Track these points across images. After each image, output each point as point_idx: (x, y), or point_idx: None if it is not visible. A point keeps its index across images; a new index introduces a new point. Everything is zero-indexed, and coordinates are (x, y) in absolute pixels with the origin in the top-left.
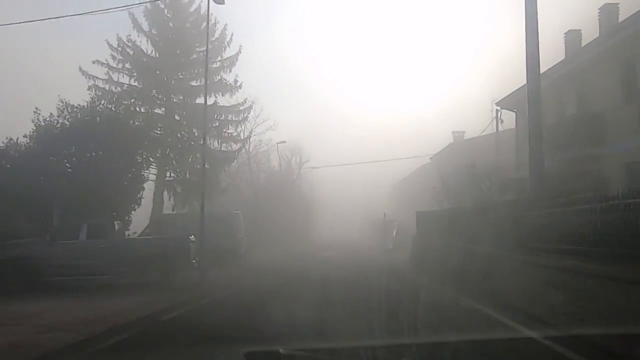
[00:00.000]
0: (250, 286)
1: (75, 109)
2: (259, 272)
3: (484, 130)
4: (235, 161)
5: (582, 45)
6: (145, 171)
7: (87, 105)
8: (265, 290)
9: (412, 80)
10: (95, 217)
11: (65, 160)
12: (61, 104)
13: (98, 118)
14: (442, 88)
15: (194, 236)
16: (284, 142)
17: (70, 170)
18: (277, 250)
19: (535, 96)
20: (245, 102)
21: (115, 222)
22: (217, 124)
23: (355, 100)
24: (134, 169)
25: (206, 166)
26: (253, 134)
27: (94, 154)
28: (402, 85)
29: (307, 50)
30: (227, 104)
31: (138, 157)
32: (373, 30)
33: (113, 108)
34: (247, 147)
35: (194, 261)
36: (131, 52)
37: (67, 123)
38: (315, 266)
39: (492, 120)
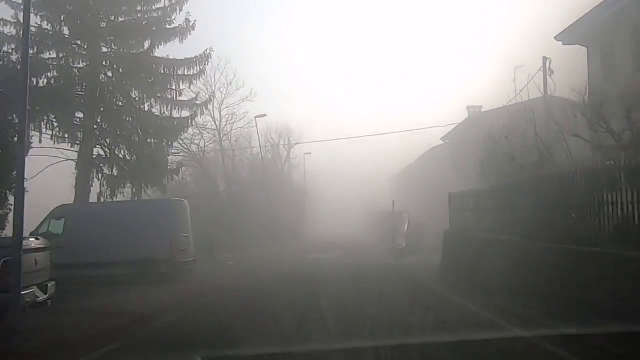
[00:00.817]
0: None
1: None
2: (195, 297)
3: (512, 99)
4: (201, 139)
5: None
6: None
7: None
8: None
9: (412, 66)
10: None
11: None
12: None
13: None
14: (446, 64)
15: (40, 239)
16: (264, 115)
17: None
18: (255, 253)
19: None
20: (205, 53)
21: None
22: (161, 78)
23: (353, 86)
24: None
25: (148, 140)
26: (225, 105)
27: None
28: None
29: (300, 18)
30: (179, 57)
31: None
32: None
33: None
34: (216, 120)
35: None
36: None
37: None
38: (297, 281)
39: (526, 84)
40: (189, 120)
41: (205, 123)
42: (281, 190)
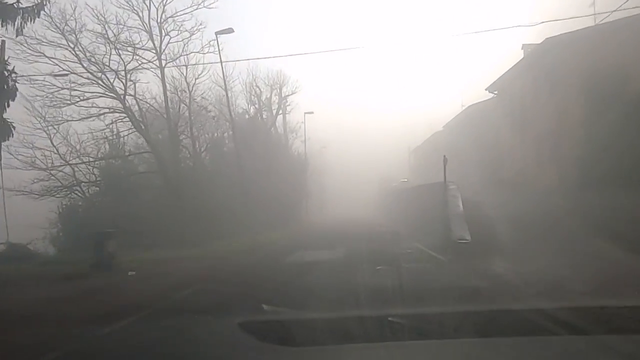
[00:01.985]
0: None
1: None
2: None
3: (607, 16)
4: (120, 61)
5: None
6: None
7: None
8: None
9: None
10: None
11: None
12: None
13: None
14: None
15: None
16: (230, 30)
17: None
18: (207, 250)
19: None
20: None
21: None
22: None
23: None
24: None
25: None
26: (168, 15)
27: None
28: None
29: None
30: None
31: None
32: None
33: None
34: (155, 37)
35: None
36: None
37: None
38: None
39: None
40: None
41: (130, 36)
42: (271, 159)
